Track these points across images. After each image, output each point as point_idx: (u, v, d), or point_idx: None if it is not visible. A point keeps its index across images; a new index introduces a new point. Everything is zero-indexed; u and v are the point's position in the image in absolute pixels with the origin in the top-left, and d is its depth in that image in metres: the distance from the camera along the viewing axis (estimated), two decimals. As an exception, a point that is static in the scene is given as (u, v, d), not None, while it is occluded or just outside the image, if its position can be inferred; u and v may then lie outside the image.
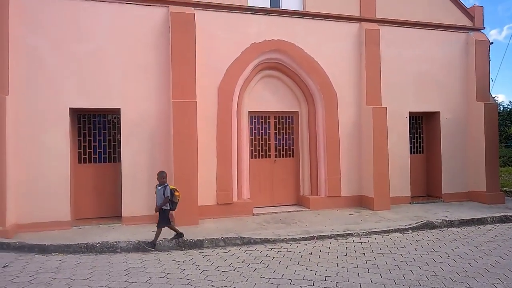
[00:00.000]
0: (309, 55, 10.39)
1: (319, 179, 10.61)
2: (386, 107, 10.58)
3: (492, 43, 12.02)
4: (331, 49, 10.61)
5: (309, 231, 8.06)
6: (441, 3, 11.74)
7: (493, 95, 12.85)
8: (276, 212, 10.02)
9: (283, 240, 7.55)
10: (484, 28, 12.08)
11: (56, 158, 8.46)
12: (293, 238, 7.64)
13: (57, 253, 6.88)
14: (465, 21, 11.99)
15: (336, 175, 10.51)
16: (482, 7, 12.09)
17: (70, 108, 8.64)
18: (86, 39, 8.72)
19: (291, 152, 10.97)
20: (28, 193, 8.29)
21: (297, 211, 10.22)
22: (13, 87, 8.16)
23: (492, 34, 58.61)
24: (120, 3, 8.99)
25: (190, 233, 7.80)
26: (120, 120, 9.02)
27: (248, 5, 9.99)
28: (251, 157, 10.51)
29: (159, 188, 7.16)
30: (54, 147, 8.45)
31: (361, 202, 10.74)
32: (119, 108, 8.95)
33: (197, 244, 7.31)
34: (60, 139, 8.51)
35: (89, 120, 9.40)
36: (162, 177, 7.16)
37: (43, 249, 7.00)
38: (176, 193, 7.22)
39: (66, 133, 8.57)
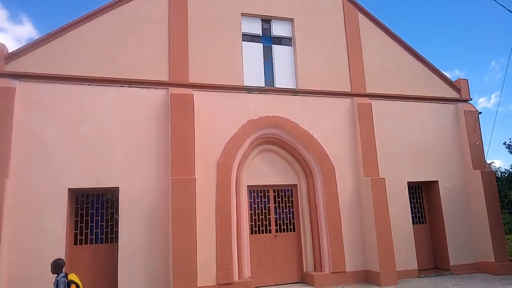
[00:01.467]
0: (305, 129, 10.68)
1: (322, 254, 10.28)
2: (384, 178, 10.63)
3: (480, 112, 12.44)
4: (325, 123, 10.94)
5: (314, 312, 7.61)
6: (427, 78, 12.38)
7: (489, 162, 13.01)
8: (279, 291, 9.55)
9: (287, 323, 7.10)
10: (471, 99, 12.62)
11: (52, 240, 8.27)
12: (298, 320, 7.20)
13: None
14: (452, 93, 12.55)
15: (339, 249, 10.20)
16: (467, 80, 12.73)
17: (69, 188, 8.65)
18: (88, 121, 9.01)
19: (292, 226, 10.76)
20: (20, 280, 7.96)
21: (301, 289, 9.75)
22: (13, 169, 8.26)
23: (481, 102, 60.93)
24: (122, 86, 9.44)
25: (188, 318, 7.34)
26: (118, 199, 8.97)
27: (244, 85, 10.49)
28: (251, 233, 10.28)
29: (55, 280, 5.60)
30: (51, 229, 8.31)
31: (367, 277, 10.30)
32: (118, 187, 8.96)
33: (196, 331, 6.85)
34: (57, 220, 8.40)
35: (87, 200, 9.34)
36: (53, 266, 5.65)
37: None
38: (72, 287, 5.52)
39: (63, 215, 8.48)
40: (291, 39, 11.42)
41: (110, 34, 9.62)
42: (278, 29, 11.37)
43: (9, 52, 8.81)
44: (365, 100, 11.35)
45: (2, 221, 7.78)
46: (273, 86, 10.94)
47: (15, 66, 8.80)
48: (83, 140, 8.90)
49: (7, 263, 7.88)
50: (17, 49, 8.89)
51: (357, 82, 11.51)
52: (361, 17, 12.06)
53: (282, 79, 11.09)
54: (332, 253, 10.11)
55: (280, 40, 11.41)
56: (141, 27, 9.89)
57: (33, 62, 8.92)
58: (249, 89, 10.50)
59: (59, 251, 8.25)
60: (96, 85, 9.24)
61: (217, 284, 9.08)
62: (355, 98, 11.33)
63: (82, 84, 9.15)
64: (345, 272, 10.17)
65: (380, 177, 10.70)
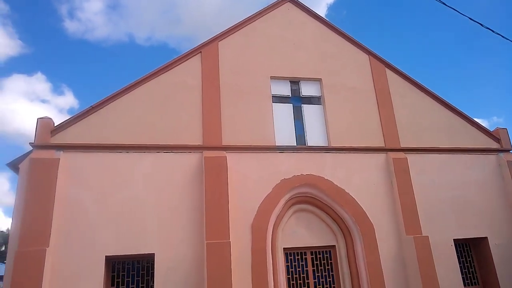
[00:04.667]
0: (340, 187, 10.45)
1: (367, 322, 9.55)
2: (428, 236, 10.07)
3: (525, 162, 11.83)
4: (361, 180, 10.69)
5: None
6: (463, 129, 12.08)
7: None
8: None
9: None
10: (513, 148, 12.07)
11: (89, 311, 8.17)
12: None
13: None
14: (492, 144, 12.12)
15: (385, 316, 9.47)
16: (506, 129, 12.30)
17: (106, 256, 8.68)
18: (124, 188, 9.22)
19: (332, 291, 10.18)
20: None
21: None
22: (53, 239, 8.40)
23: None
24: (158, 152, 9.72)
25: None
26: (154, 265, 8.89)
27: (276, 145, 10.56)
28: (290, 299, 9.78)
29: None
30: (88, 299, 8.24)
31: None
32: (153, 253, 8.91)
33: None
34: (94, 289, 8.34)
35: (123, 268, 9.28)
36: None
37: None
38: None
39: (100, 283, 8.43)
40: (320, 98, 11.60)
41: (147, 102, 10.10)
42: (306, 89, 11.61)
43: (55, 125, 9.37)
44: (400, 154, 11.10)
45: (41, 291, 7.81)
46: (305, 144, 10.96)
47: (59, 138, 9.30)
48: (120, 208, 9.05)
49: (44, 336, 7.78)
50: (62, 122, 9.45)
51: (390, 137, 11.36)
52: (389, 73, 12.18)
53: (314, 137, 11.10)
54: (378, 320, 9.38)
55: (309, 100, 11.60)
56: (176, 95, 10.36)
57: (75, 133, 9.41)
58: (281, 149, 10.54)
59: (95, 323, 8.13)
60: (133, 152, 9.56)
61: None
62: (389, 153, 11.12)
63: (120, 152, 9.49)
64: None
65: (424, 235, 10.14)
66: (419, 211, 10.48)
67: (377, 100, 11.72)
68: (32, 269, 7.89)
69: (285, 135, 10.88)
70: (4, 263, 12.09)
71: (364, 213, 10.31)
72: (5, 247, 36.07)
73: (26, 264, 7.92)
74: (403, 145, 11.35)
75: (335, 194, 10.38)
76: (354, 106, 11.51)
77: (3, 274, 9.02)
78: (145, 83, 10.27)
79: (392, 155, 11.04)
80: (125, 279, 9.18)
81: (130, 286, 9.16)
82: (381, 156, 11.12)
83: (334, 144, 10.93)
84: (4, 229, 44.56)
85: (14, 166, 9.51)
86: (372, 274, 9.73)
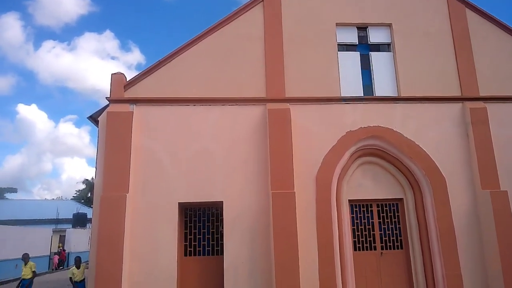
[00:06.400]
0: (410, 139, 9.99)
1: (436, 276, 9.34)
2: (506, 191, 9.41)
3: None
4: (433, 132, 10.10)
5: None
6: (557, 75, 10.72)
7: None
8: (387, 314, 8.94)
9: None
10: None
11: (166, 252, 8.94)
12: None
13: None
14: None
15: (455, 270, 9.18)
16: None
17: (179, 202, 9.29)
18: (194, 140, 9.62)
19: (399, 244, 10.04)
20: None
21: (412, 312, 9.00)
22: (132, 186, 9.12)
23: None
24: (224, 105, 9.89)
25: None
26: (222, 212, 9.36)
27: (342, 95, 10.23)
28: (355, 250, 9.83)
29: None
30: (164, 241, 8.99)
31: (490, 304, 9.12)
32: (222, 201, 9.35)
33: None
34: (169, 233, 9.06)
35: (194, 214, 9.90)
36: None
37: None
38: None
39: (174, 227, 9.11)
40: (389, 44, 10.89)
41: (211, 56, 10.20)
42: (375, 36, 10.93)
43: (127, 80, 9.86)
44: (479, 104, 10.22)
45: (124, 235, 8.62)
46: (372, 94, 10.49)
47: (132, 92, 9.80)
48: (190, 157, 9.50)
49: (128, 272, 8.69)
50: (133, 77, 9.92)
51: (468, 85, 10.44)
52: (469, 13, 10.99)
53: (382, 87, 10.57)
54: (447, 274, 9.15)
55: (378, 47, 10.95)
56: (239, 47, 10.30)
57: (146, 87, 9.85)
58: (347, 100, 10.21)
59: (172, 262, 8.94)
60: (200, 105, 9.83)
61: (321, 301, 8.86)
62: (466, 102, 10.28)
63: (188, 105, 9.81)
64: (464, 297, 9.15)
65: (502, 190, 9.48)
66: (498, 165, 9.76)
67: (454, 44, 10.73)
68: (115, 212, 8.72)
69: (351, 85, 10.48)
70: (91, 207, 13.51)
71: (435, 166, 9.82)
72: (91, 194, 40.17)
73: (110, 207, 8.75)
74: (482, 93, 10.42)
75: (404, 147, 9.96)
76: (428, 52, 10.65)
77: (91, 217, 10.06)
78: (208, 36, 10.31)
79: (469, 104, 10.21)
80: (197, 224, 9.83)
81: (201, 230, 9.80)
82: (457, 106, 10.34)
83: (404, 94, 10.33)
84: (89, 178, 49.56)
85: (94, 119, 10.28)
86: (442, 227, 9.41)
